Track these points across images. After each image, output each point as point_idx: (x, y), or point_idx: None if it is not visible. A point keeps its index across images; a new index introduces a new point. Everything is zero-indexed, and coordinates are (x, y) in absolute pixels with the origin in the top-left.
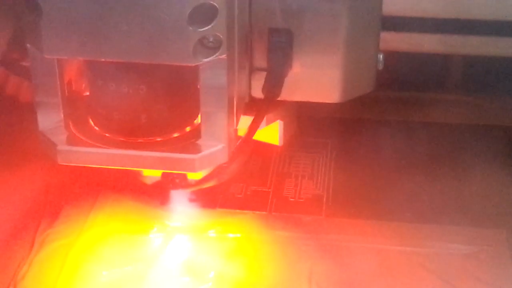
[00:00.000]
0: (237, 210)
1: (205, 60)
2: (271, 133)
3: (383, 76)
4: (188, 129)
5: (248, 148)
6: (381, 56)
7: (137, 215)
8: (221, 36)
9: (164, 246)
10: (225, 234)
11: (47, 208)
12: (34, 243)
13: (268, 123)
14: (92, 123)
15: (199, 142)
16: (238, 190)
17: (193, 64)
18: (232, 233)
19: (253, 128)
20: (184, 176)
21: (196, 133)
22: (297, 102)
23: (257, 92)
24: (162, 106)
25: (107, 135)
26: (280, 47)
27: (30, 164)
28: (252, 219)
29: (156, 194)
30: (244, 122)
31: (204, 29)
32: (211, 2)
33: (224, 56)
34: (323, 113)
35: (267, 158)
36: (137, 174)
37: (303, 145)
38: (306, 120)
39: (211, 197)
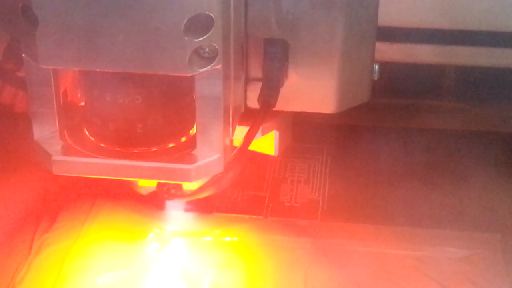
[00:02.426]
0: (234, 215)
1: (201, 70)
2: (267, 143)
3: (379, 85)
4: (183, 139)
5: (244, 158)
6: (376, 67)
7: (134, 220)
8: (217, 47)
9: (160, 251)
10: (222, 238)
11: (44, 213)
12: (32, 247)
13: (263, 133)
14: (87, 133)
15: (195, 152)
16: (234, 195)
17: (189, 74)
18: (228, 237)
19: (248, 138)
20: (180, 186)
21: (192, 143)
22: (293, 112)
23: (253, 102)
24: (157, 116)
25: (102, 145)
26: (275, 57)
27: (28, 170)
28: (248, 223)
29: (154, 203)
30: (240, 132)
31: (200, 39)
32: (207, 12)
33: (219, 66)
34: (319, 119)
35: (263, 164)
36: (133, 185)
37: (299, 150)
38: (302, 126)
39: (208, 202)
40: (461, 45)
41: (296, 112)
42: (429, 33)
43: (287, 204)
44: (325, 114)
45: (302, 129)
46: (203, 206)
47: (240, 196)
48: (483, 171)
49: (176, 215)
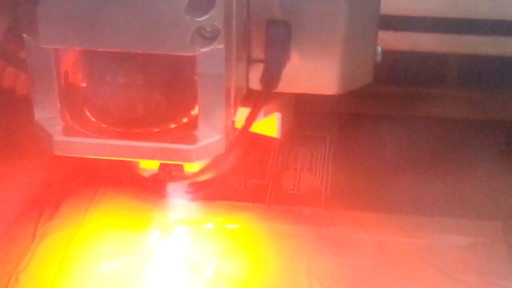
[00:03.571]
0: (236, 203)
1: (203, 50)
2: (269, 125)
3: (382, 73)
4: (185, 119)
5: (246, 140)
6: (379, 48)
7: (137, 208)
8: (219, 26)
9: (163, 238)
10: (224, 226)
11: (48, 200)
12: (35, 235)
13: (266, 115)
14: (88, 114)
15: (196, 132)
16: (237, 183)
17: (191, 54)
18: (231, 225)
19: (250, 120)
20: (181, 167)
21: (194, 124)
22: (295, 94)
23: (255, 83)
24: (159, 96)
25: (103, 126)
26: (278, 38)
27: (31, 157)
28: (251, 211)
29: (156, 187)
30: (242, 114)
31: (202, 18)
32: None
33: (221, 46)
34: (322, 107)
35: (266, 151)
36: (134, 167)
37: (302, 138)
38: (306, 114)
39: (211, 190)
40: (465, 34)
41: (299, 100)
42: (433, 21)
43: (290, 192)
44: (328, 101)
45: (305, 117)
46: (206, 194)
47: (243, 184)
48: (486, 160)
49: (179, 203)
